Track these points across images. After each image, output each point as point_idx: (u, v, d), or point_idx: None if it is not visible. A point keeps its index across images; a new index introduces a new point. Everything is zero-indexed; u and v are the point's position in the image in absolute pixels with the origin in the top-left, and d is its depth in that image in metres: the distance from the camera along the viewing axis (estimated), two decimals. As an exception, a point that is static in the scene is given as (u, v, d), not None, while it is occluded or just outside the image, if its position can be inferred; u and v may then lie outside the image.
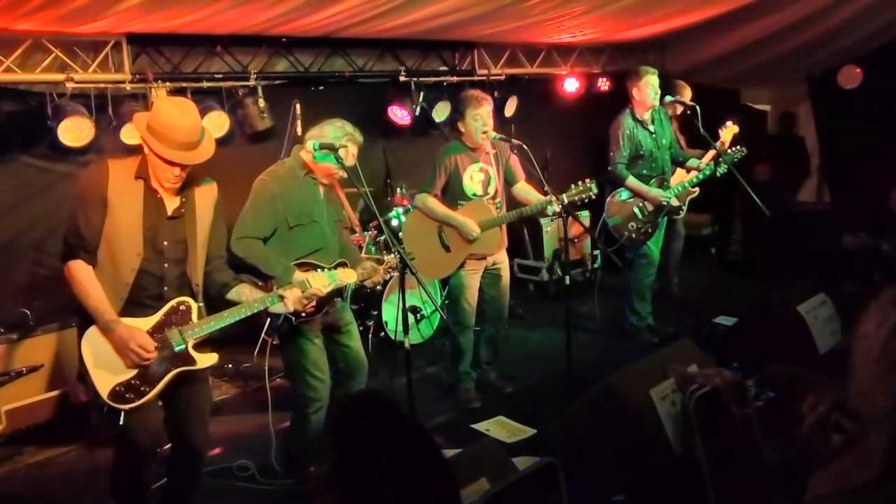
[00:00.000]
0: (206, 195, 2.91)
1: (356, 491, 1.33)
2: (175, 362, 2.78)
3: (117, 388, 2.69)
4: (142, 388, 2.72)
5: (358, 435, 1.38)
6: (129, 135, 4.58)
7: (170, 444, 3.08)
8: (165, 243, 2.77)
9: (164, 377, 2.76)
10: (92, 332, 2.71)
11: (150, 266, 2.75)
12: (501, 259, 4.53)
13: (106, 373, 2.69)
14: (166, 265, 2.78)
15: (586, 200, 4.26)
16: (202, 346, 2.86)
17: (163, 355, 2.74)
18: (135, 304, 2.75)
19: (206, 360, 2.85)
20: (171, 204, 2.80)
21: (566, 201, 4.09)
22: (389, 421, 1.40)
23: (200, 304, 2.86)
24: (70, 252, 2.72)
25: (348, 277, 3.21)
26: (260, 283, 3.23)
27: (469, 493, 2.24)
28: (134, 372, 2.71)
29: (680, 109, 5.48)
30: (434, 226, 4.39)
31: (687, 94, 5.58)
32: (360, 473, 1.33)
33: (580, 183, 4.21)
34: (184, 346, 2.77)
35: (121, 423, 2.70)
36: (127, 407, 2.70)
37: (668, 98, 5.17)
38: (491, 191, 4.39)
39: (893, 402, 1.36)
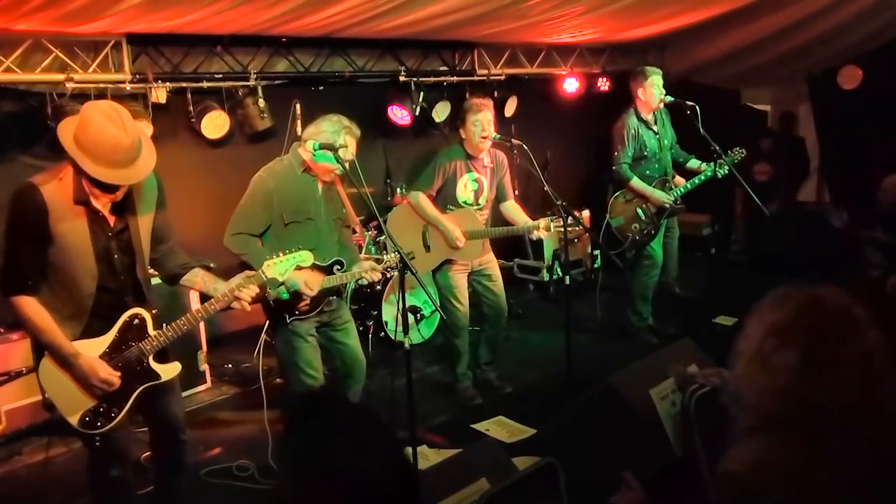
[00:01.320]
0: (144, 190, 2.72)
1: (314, 485, 1.34)
2: (139, 380, 2.74)
3: (86, 417, 2.65)
4: (111, 413, 2.68)
5: (310, 432, 1.40)
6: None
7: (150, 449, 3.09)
8: (116, 257, 2.67)
9: (131, 397, 2.72)
10: (46, 366, 2.62)
11: (107, 283, 2.66)
12: (487, 259, 4.55)
13: (71, 403, 2.64)
14: (122, 277, 2.70)
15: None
16: (163, 355, 2.81)
17: (126, 377, 2.68)
18: (96, 316, 2.66)
19: (169, 371, 2.81)
20: (113, 216, 2.66)
21: (552, 230, 4.22)
22: (342, 416, 1.42)
23: (154, 311, 2.79)
24: (11, 288, 2.55)
25: (306, 260, 2.96)
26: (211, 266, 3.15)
27: (469, 493, 2.24)
28: (99, 399, 2.67)
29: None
30: (420, 224, 4.42)
31: None
32: (317, 468, 1.35)
33: (571, 217, 4.24)
34: (145, 363, 2.74)
35: (97, 442, 2.69)
36: (99, 432, 2.67)
37: (669, 98, 5.16)
38: (482, 202, 4.44)
39: (757, 399, 1.48)
